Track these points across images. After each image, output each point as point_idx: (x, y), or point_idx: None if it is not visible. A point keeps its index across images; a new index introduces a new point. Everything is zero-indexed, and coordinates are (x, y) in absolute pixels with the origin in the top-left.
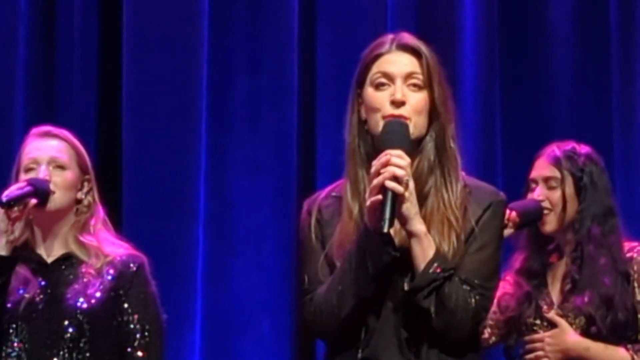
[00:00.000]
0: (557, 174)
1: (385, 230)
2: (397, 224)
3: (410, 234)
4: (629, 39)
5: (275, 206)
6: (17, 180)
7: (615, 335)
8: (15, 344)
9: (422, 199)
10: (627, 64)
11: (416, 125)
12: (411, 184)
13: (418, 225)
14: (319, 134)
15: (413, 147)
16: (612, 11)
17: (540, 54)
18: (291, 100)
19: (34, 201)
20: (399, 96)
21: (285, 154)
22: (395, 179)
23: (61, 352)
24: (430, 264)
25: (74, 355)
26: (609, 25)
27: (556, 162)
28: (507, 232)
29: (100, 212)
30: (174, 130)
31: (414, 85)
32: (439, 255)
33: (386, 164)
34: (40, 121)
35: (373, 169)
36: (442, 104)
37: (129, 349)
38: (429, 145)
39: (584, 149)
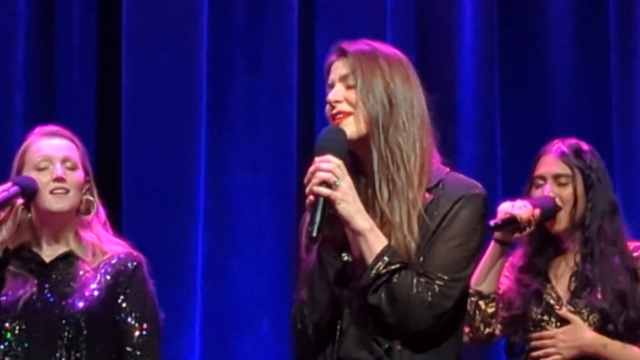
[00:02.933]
0: (568, 170)
1: (314, 234)
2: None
3: (355, 233)
4: (627, 37)
5: (275, 205)
6: None
7: (628, 332)
8: (14, 343)
9: (371, 197)
10: (626, 62)
11: (361, 119)
12: (344, 184)
13: (360, 223)
14: (318, 134)
15: (362, 146)
16: (611, 9)
17: (539, 52)
18: (290, 100)
19: (20, 201)
20: (330, 97)
21: (284, 153)
22: (324, 183)
23: (59, 351)
24: (376, 260)
25: (72, 353)
26: (607, 23)
27: (566, 159)
28: (529, 230)
29: (100, 211)
30: (174, 129)
31: (350, 85)
32: (388, 249)
33: (314, 172)
34: (39, 120)
35: (305, 179)
36: (381, 101)
37: (126, 348)
38: (373, 143)
39: (585, 146)
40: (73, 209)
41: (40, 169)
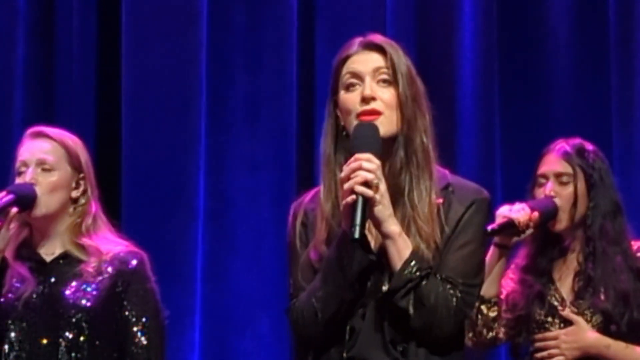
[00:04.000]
0: (569, 169)
1: (357, 236)
2: (370, 240)
3: (385, 236)
4: (627, 36)
5: (274, 204)
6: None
7: (631, 333)
8: (14, 343)
9: (395, 198)
10: (626, 61)
11: (389, 120)
12: (382, 186)
13: (392, 226)
14: (317, 133)
15: (386, 146)
16: (611, 9)
17: (539, 51)
18: (290, 99)
19: (14, 210)
20: (367, 92)
21: (284, 153)
22: (365, 183)
23: (60, 350)
24: (406, 264)
25: (72, 353)
26: (607, 22)
27: (568, 158)
28: (529, 232)
29: (98, 210)
30: (173, 128)
31: (383, 81)
32: (415, 254)
33: (356, 169)
34: (39, 120)
35: (343, 174)
36: (411, 99)
37: (129, 347)
38: (401, 143)
39: (589, 146)
40: (53, 212)
41: (19, 174)
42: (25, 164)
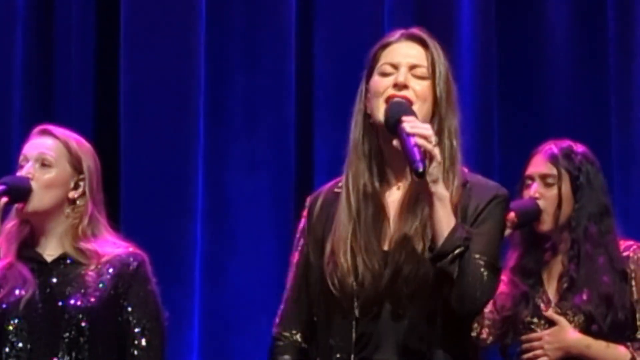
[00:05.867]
0: (554, 171)
1: (421, 170)
2: (391, 233)
3: (436, 196)
4: (626, 36)
5: (273, 204)
6: None
7: (615, 333)
8: (15, 344)
9: (417, 195)
10: (625, 61)
11: (419, 111)
12: (437, 149)
13: (443, 189)
14: (316, 132)
15: None
16: (610, 8)
17: (538, 51)
18: (288, 98)
19: (4, 199)
20: (401, 79)
21: (282, 152)
22: (424, 138)
23: (60, 351)
24: (455, 230)
25: (73, 354)
26: (606, 22)
27: (554, 160)
28: (506, 232)
29: (96, 213)
30: (172, 128)
31: (419, 76)
32: (458, 225)
33: (416, 125)
34: (37, 120)
35: (404, 124)
36: (445, 98)
37: (129, 348)
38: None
39: (579, 147)
40: (47, 208)
41: (20, 167)
42: (25, 159)
